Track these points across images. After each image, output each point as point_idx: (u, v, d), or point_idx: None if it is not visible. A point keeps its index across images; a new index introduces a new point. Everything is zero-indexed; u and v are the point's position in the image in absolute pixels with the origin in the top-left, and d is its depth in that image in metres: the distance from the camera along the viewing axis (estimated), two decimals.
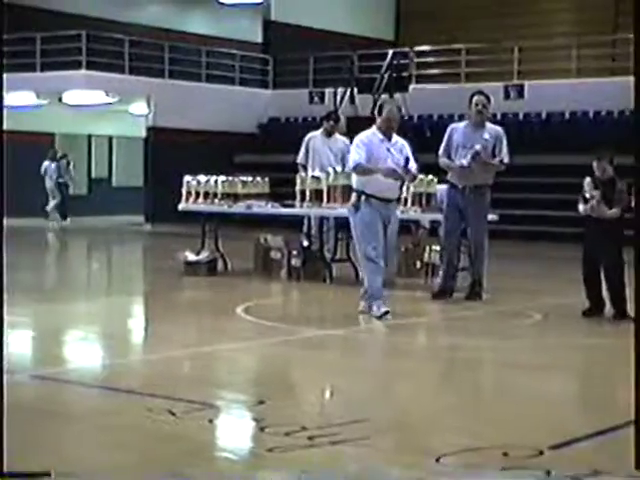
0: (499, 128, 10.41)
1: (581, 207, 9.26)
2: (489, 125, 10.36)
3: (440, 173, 11.50)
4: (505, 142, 10.20)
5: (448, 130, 10.40)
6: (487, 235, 10.24)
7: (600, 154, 9.20)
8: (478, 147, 9.98)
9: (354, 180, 9.37)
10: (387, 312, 9.06)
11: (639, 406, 4.27)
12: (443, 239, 10.58)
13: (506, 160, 10.17)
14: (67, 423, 5.41)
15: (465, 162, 9.88)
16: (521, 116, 22.24)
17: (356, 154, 9.21)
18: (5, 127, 4.22)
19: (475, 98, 10.30)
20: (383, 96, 9.96)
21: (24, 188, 21.38)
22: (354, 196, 9.27)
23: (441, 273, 10.47)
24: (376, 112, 9.45)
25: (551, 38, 24.98)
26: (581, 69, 23.10)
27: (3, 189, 4.25)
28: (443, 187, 11.47)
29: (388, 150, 9.19)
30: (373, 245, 9.06)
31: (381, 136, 9.23)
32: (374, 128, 9.33)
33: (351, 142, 13.22)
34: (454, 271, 10.45)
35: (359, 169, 9.20)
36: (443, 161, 10.26)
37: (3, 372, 4.20)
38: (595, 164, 9.19)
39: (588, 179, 9.25)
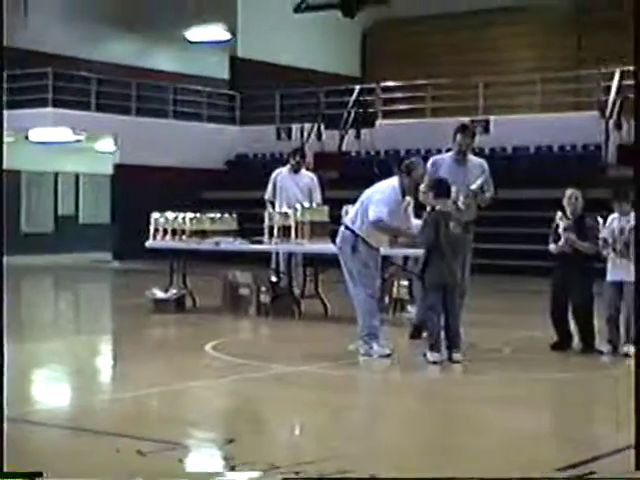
0: (482, 161, 9.99)
1: (552, 246, 9.29)
2: (472, 159, 9.94)
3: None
4: (488, 173, 9.80)
5: (430, 164, 9.69)
6: None
7: (571, 191, 9.25)
8: (474, 187, 9.53)
9: (354, 224, 9.09)
10: (390, 354, 8.98)
11: (639, 406, 4.28)
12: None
13: (492, 194, 9.83)
14: (34, 464, 5.34)
15: (463, 206, 9.18)
16: (487, 151, 22.40)
17: (379, 210, 8.88)
18: None
19: (458, 138, 9.75)
20: (414, 159, 9.54)
21: None
22: (350, 236, 9.09)
23: (418, 309, 10.28)
24: (404, 168, 9.09)
25: (515, 74, 25.26)
26: (545, 104, 23.37)
27: (3, 224, 4.24)
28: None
29: (399, 213, 9.11)
30: (371, 284, 9.05)
31: (400, 197, 9.05)
32: (397, 184, 9.03)
33: (319, 178, 13.45)
34: None
35: (381, 225, 8.94)
36: (430, 199, 9.30)
37: (3, 373, 4.16)
38: (567, 195, 9.23)
39: (560, 213, 9.30)
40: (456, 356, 8.66)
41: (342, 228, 9.28)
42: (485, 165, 9.86)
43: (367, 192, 9.22)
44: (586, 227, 9.14)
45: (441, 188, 8.93)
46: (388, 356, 8.95)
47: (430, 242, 8.78)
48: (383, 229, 9.05)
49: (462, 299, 9.47)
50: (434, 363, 8.56)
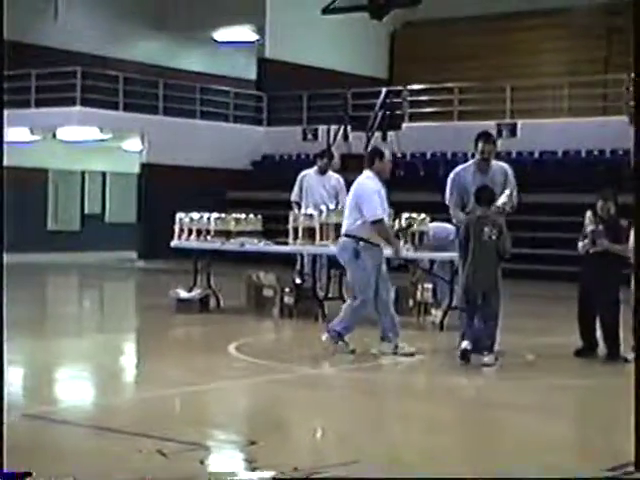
0: (506, 166, 9.67)
1: (580, 244, 9.24)
2: (495, 164, 9.58)
3: (433, 212, 11.53)
4: (512, 177, 9.54)
5: (452, 177, 9.50)
6: None
7: (605, 195, 9.18)
8: (504, 201, 9.22)
9: (354, 226, 9.17)
10: (353, 351, 9.23)
11: (639, 406, 4.24)
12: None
13: (516, 201, 9.51)
14: (56, 463, 5.35)
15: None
16: (514, 154, 22.31)
17: (379, 207, 9.06)
18: None
19: (480, 145, 9.43)
20: (376, 142, 9.75)
21: (21, 223, 21.50)
22: (350, 242, 9.17)
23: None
24: (371, 155, 9.31)
25: (543, 77, 25.13)
26: (573, 108, 23.22)
27: (3, 220, 4.25)
28: (436, 225, 11.50)
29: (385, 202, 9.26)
30: (370, 292, 9.11)
31: (380, 183, 9.21)
32: (372, 174, 9.20)
33: (345, 180, 13.42)
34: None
35: (380, 226, 9.11)
36: (458, 215, 9.32)
37: (3, 372, 4.17)
38: (600, 205, 9.16)
39: (589, 213, 9.24)
40: (484, 359, 8.64)
41: (342, 238, 9.37)
42: (509, 170, 9.60)
43: (349, 196, 9.35)
44: (620, 229, 9.02)
45: (485, 194, 8.86)
46: (352, 352, 9.17)
47: (461, 246, 8.88)
48: (380, 230, 9.10)
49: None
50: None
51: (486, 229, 8.73)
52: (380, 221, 9.06)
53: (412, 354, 9.17)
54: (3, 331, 4.20)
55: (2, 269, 4.15)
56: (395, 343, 9.20)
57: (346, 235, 9.27)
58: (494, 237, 8.73)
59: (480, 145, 9.47)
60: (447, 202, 9.50)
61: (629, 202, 9.61)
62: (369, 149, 9.54)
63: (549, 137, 22.16)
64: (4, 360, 4.19)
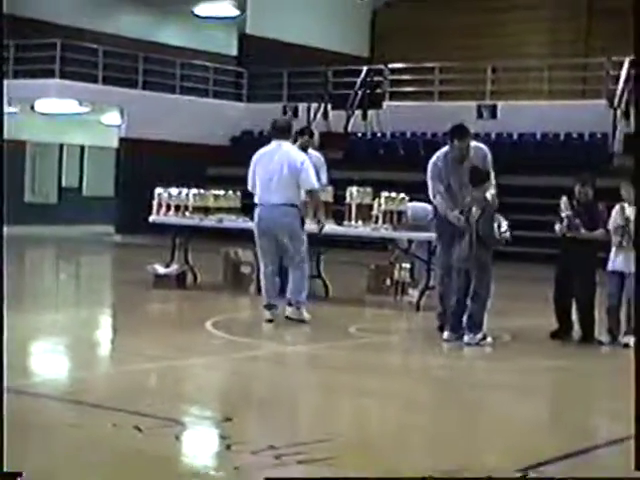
0: (484, 149, 9.47)
1: (557, 227, 9.28)
2: (473, 148, 9.36)
3: (412, 191, 11.56)
4: (490, 161, 9.36)
5: (431, 167, 9.35)
6: None
7: (583, 179, 9.22)
8: (489, 196, 9.00)
9: (294, 195, 9.68)
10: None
11: (639, 405, 4.27)
12: (443, 274, 9.46)
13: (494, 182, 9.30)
14: (30, 437, 5.34)
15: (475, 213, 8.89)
16: (493, 136, 22.33)
17: (316, 179, 9.92)
18: None
19: (456, 144, 9.24)
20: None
21: None
22: (295, 211, 9.67)
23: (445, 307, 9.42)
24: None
25: (524, 59, 25.15)
26: (553, 91, 23.26)
27: (3, 194, 4.21)
28: (414, 204, 11.52)
29: None
30: (306, 253, 9.88)
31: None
32: (294, 146, 10.11)
33: (325, 158, 13.41)
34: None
35: (316, 196, 9.96)
36: (443, 207, 9.21)
37: (3, 371, 4.14)
38: (577, 188, 9.20)
39: (564, 198, 9.28)
40: (465, 338, 8.78)
41: (283, 207, 9.60)
42: (488, 154, 9.40)
43: (275, 165, 9.61)
44: (597, 213, 9.07)
45: (476, 175, 8.91)
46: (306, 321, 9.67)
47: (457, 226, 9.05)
48: (315, 200, 10.00)
49: None
50: (446, 341, 8.85)
51: (473, 209, 8.84)
52: (316, 191, 9.82)
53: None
54: (3, 334, 4.15)
55: (1, 241, 4.10)
56: (301, 310, 9.75)
57: (290, 205, 9.60)
58: (476, 217, 8.79)
59: (456, 143, 9.28)
60: (429, 193, 9.37)
61: (606, 185, 9.66)
62: (291, 124, 10.32)
63: (528, 119, 22.19)
64: (3, 365, 4.14)
